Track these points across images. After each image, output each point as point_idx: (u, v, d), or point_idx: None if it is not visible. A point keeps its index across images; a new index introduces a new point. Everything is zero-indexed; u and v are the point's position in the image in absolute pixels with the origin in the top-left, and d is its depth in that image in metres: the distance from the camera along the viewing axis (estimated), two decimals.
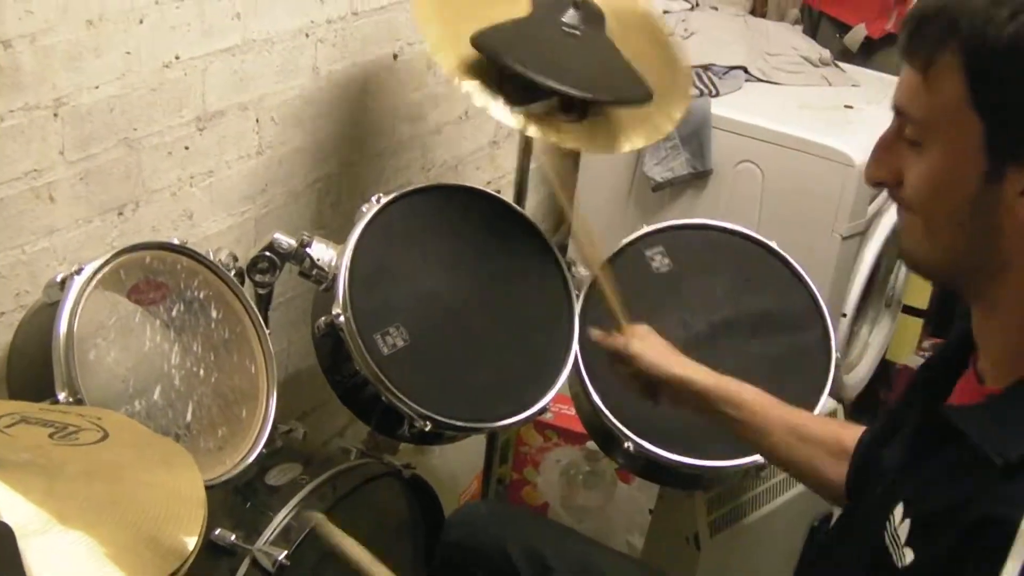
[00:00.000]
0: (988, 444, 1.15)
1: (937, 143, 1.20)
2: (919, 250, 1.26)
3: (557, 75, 2.07)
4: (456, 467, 2.84)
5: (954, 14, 1.15)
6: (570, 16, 2.20)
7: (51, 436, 1.36)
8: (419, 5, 2.22)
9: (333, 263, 2.07)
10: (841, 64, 3.37)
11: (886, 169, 1.26)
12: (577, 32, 2.19)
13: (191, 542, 1.26)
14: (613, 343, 1.92)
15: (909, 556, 1.20)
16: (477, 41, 2.07)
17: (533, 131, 2.11)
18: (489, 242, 2.25)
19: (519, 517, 2.34)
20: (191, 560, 1.24)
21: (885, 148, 1.26)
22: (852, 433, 1.67)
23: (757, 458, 2.09)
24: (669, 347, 1.90)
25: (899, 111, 1.24)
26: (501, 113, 2.09)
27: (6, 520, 1.14)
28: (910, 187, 1.23)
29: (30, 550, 1.10)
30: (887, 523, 1.24)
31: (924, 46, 1.18)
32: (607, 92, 2.17)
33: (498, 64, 2.08)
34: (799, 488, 2.57)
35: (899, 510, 1.23)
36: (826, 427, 1.76)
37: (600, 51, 2.23)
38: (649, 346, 1.89)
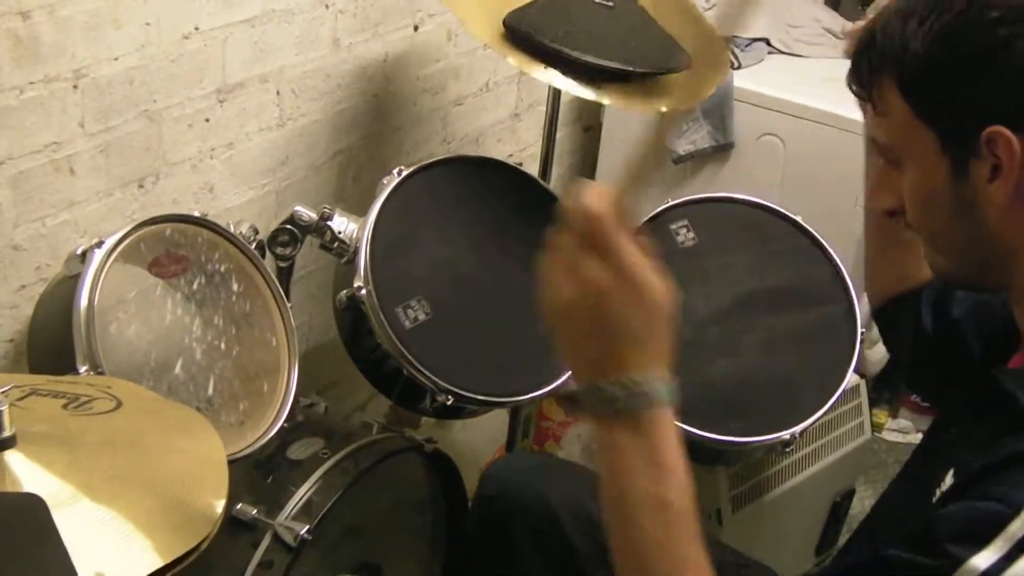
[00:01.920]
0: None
1: (908, 161, 1.25)
2: (937, 265, 1.32)
3: (595, 49, 2.05)
4: (478, 441, 2.83)
5: (877, 41, 1.23)
6: None
7: (65, 407, 1.36)
8: None
9: (354, 236, 2.06)
10: None
11: (891, 197, 1.30)
12: (610, 3, 2.17)
13: (218, 506, 1.26)
14: None
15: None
16: (510, 23, 2.06)
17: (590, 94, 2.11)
18: (510, 214, 2.23)
19: (564, 470, 2.29)
20: (219, 525, 1.23)
21: (884, 179, 1.31)
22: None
23: (781, 434, 2.08)
24: None
25: (874, 143, 1.32)
26: (578, 89, 2.09)
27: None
28: (907, 208, 1.28)
29: (60, 522, 1.09)
30: (938, 489, 1.23)
31: (864, 79, 1.27)
32: (646, 62, 2.15)
33: (534, 44, 2.06)
34: (821, 464, 2.56)
35: (950, 475, 1.22)
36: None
37: (635, 21, 2.22)
38: None
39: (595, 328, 1.13)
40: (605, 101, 2.12)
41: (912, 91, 1.21)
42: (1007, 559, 1.04)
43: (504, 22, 2.07)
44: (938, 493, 1.21)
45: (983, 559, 1.05)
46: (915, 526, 1.15)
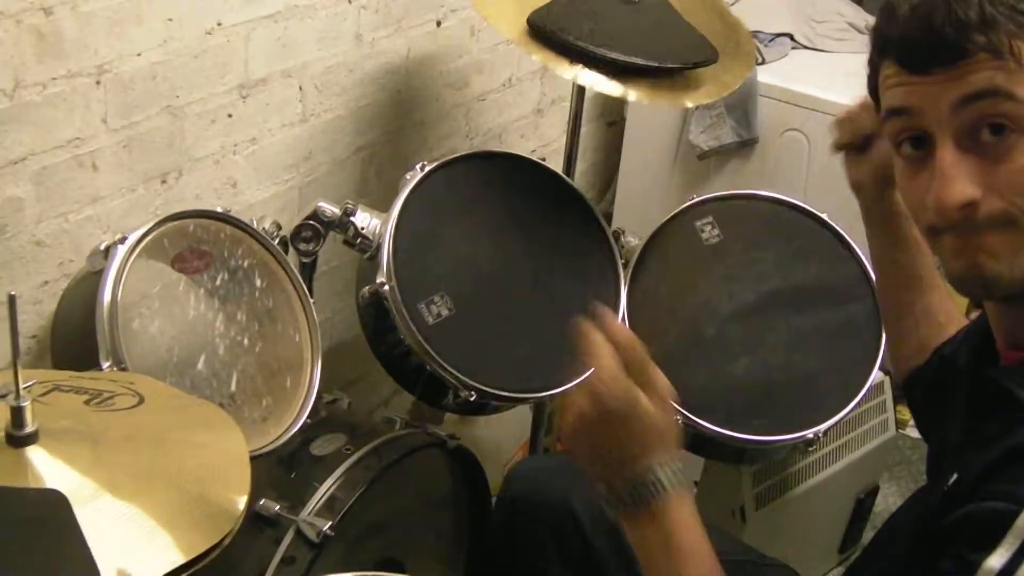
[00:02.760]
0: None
1: None
2: (1009, 273, 1.16)
3: (620, 45, 2.05)
4: (501, 438, 2.83)
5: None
6: None
7: (87, 403, 1.35)
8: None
9: (377, 231, 2.06)
10: None
11: (975, 181, 1.14)
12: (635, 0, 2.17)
13: (241, 501, 1.25)
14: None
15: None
16: (534, 20, 2.05)
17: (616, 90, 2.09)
18: (533, 210, 2.23)
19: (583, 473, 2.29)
20: (242, 520, 1.23)
21: (969, 159, 1.14)
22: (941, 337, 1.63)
23: (804, 433, 2.07)
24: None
25: (995, 92, 1.12)
26: (605, 85, 2.08)
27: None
28: (1011, 188, 1.13)
29: (81, 518, 1.09)
30: (943, 492, 1.22)
31: (999, 33, 1.11)
32: (672, 57, 2.14)
33: (559, 41, 2.05)
34: (845, 461, 2.55)
35: (954, 478, 1.21)
36: (937, 316, 1.66)
37: (660, 16, 2.21)
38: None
39: (603, 443, 1.29)
40: (631, 97, 2.10)
41: None
42: (1020, 554, 1.04)
43: (528, 20, 2.07)
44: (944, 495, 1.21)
45: (997, 559, 1.05)
46: (925, 535, 1.16)
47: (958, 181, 1.13)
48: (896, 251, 1.66)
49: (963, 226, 1.15)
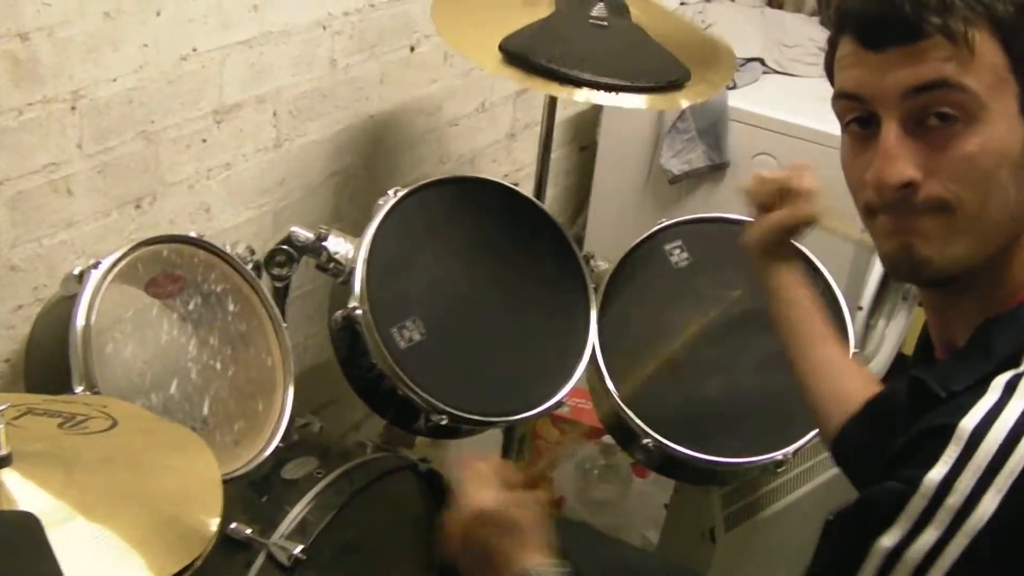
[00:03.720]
0: (937, 382, 1.16)
1: (986, 116, 1.15)
2: (954, 252, 1.18)
3: (592, 67, 2.07)
4: None
5: None
6: (597, 9, 2.22)
7: (60, 426, 1.36)
8: (442, 18, 2.21)
9: (350, 256, 2.07)
10: None
11: (916, 164, 1.16)
12: (604, 23, 2.19)
13: (213, 524, 1.26)
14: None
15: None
16: (508, 48, 2.07)
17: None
18: (506, 235, 2.24)
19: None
20: (213, 543, 1.24)
21: (912, 139, 1.16)
22: (868, 392, 1.63)
23: (774, 454, 2.09)
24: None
25: (942, 85, 1.15)
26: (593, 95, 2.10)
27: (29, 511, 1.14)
28: (945, 175, 1.16)
29: (54, 541, 1.10)
30: None
31: (955, 18, 1.13)
32: (646, 78, 2.15)
33: (530, 65, 2.07)
34: (815, 482, 2.57)
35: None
36: (853, 377, 1.70)
37: (631, 37, 2.23)
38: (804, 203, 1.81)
39: (484, 550, 1.44)
40: (626, 104, 2.12)
41: (1013, 43, 1.14)
42: (911, 536, 1.07)
43: (500, 47, 2.08)
44: None
45: (889, 538, 1.08)
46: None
47: (899, 161, 1.16)
48: (787, 310, 1.75)
49: (899, 207, 1.18)
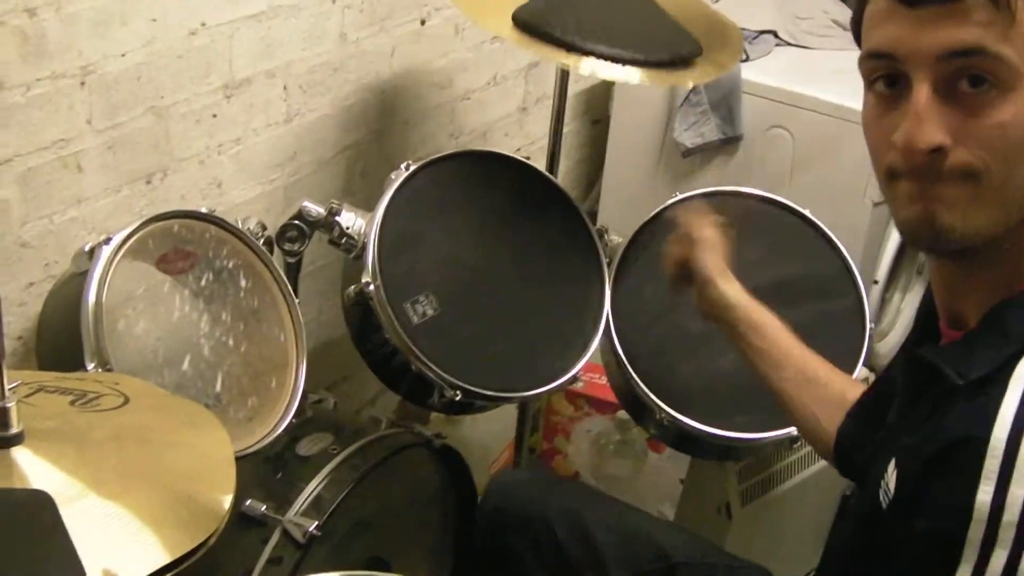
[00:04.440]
0: (951, 367, 1.14)
1: (1023, 84, 1.10)
2: (976, 218, 1.14)
3: (608, 39, 2.05)
4: (487, 437, 2.83)
5: None
6: None
7: (72, 403, 1.35)
8: None
9: (362, 231, 2.06)
10: None
11: (941, 131, 1.12)
12: None
13: (226, 500, 1.25)
14: (691, 221, 1.91)
15: (890, 495, 1.19)
16: (520, 17, 2.05)
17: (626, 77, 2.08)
18: (518, 209, 2.23)
19: (560, 484, 2.33)
20: (227, 520, 1.23)
21: (930, 111, 1.12)
22: (857, 391, 1.64)
23: (790, 430, 2.07)
24: (725, 263, 1.86)
25: (978, 51, 1.11)
26: (604, 68, 2.07)
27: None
28: (975, 142, 1.13)
29: (67, 518, 1.09)
30: (882, 480, 1.22)
31: None
32: (661, 52, 2.13)
33: (546, 38, 2.05)
34: None
35: (891, 465, 1.21)
36: (836, 377, 1.71)
37: (642, 10, 2.21)
38: (712, 245, 1.85)
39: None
40: (634, 80, 2.08)
41: None
42: (981, 563, 1.06)
43: (513, 16, 2.06)
44: (883, 485, 1.21)
45: (963, 573, 1.06)
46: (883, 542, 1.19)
47: (931, 124, 1.12)
48: (748, 336, 1.77)
49: (925, 172, 1.14)
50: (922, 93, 1.12)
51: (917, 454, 1.14)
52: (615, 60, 2.05)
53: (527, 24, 2.06)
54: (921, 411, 1.21)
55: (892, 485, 1.19)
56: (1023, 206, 1.15)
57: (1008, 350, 1.11)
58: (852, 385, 1.69)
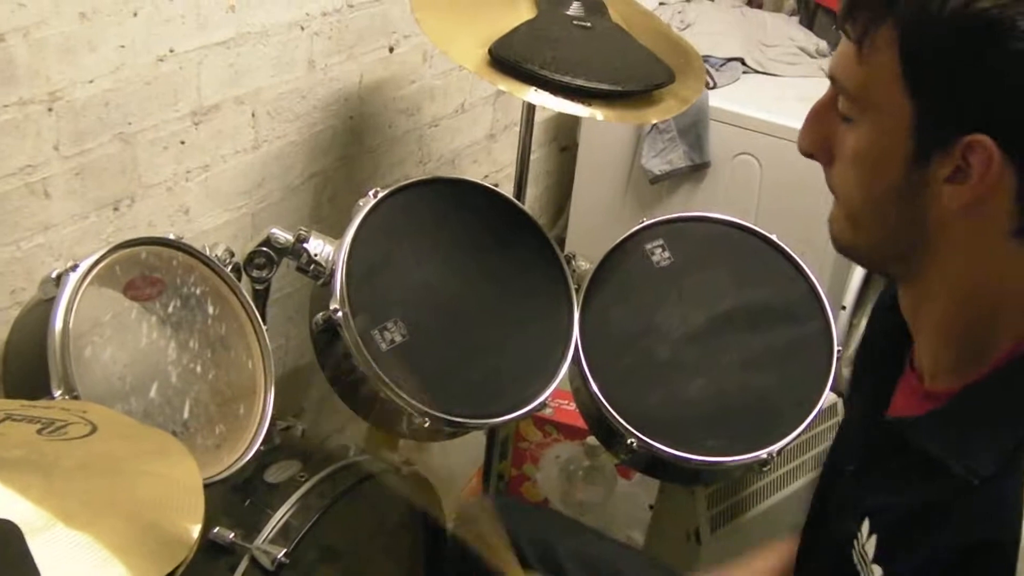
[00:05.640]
0: (953, 460, 1.13)
1: (866, 120, 1.15)
2: (843, 235, 1.24)
3: (584, 72, 2.05)
4: (456, 463, 2.83)
5: None
6: (575, 8, 2.20)
7: (39, 432, 1.34)
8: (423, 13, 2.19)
9: (330, 258, 2.05)
10: None
11: (818, 139, 1.21)
12: (587, 23, 2.18)
13: (195, 529, 1.24)
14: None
15: (878, 573, 1.18)
16: (497, 52, 2.06)
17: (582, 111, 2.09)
18: (487, 236, 2.23)
19: (528, 511, 2.32)
20: (195, 550, 1.22)
21: (817, 117, 1.21)
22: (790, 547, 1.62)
23: (759, 453, 2.08)
24: None
25: (833, 81, 1.18)
26: (571, 107, 2.07)
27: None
28: (837, 166, 1.20)
29: (34, 549, 1.08)
30: (855, 540, 1.22)
31: (862, 17, 1.12)
32: (634, 81, 2.14)
33: (524, 71, 2.05)
34: (800, 482, 2.56)
35: (866, 526, 1.21)
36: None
37: (615, 39, 2.22)
38: None
39: None
40: (598, 116, 2.09)
41: (913, 57, 1.09)
42: None
43: (490, 51, 2.06)
44: (856, 546, 1.21)
45: None
46: None
47: (804, 131, 1.23)
48: None
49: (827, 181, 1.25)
50: (823, 100, 1.20)
51: (912, 539, 1.14)
52: (592, 92, 2.06)
53: (504, 59, 2.06)
54: (894, 476, 1.21)
55: (871, 553, 1.19)
56: (896, 236, 1.18)
57: (1007, 441, 1.11)
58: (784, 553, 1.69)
